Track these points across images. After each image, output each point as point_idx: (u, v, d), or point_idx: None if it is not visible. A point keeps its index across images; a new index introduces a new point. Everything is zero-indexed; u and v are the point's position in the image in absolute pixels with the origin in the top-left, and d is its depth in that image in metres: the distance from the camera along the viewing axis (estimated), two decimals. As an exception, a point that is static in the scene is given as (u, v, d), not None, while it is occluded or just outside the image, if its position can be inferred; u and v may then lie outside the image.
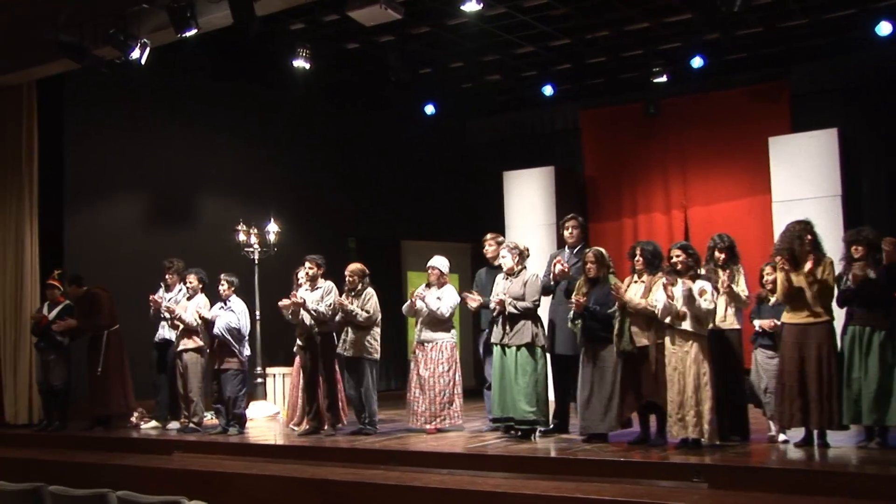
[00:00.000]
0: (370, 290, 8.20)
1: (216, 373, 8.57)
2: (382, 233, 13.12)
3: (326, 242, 11.83)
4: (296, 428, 8.67)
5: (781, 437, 6.85)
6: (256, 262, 10.70)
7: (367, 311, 8.07)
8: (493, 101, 13.58)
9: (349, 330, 8.13)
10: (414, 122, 13.44)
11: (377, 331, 8.19)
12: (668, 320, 6.65)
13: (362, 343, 8.08)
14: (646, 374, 6.86)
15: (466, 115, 13.92)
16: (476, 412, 9.19)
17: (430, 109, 13.30)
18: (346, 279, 8.20)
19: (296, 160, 12.35)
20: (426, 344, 8.14)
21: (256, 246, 10.74)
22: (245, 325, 8.63)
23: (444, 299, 8.10)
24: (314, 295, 8.30)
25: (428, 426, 8.04)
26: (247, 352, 8.74)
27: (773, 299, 6.97)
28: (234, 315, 8.54)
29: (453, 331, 8.21)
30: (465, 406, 8.48)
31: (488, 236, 8.44)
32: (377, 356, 8.19)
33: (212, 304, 8.73)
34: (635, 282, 7.05)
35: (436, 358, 8.08)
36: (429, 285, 8.21)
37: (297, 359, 8.65)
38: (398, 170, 13.42)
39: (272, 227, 10.92)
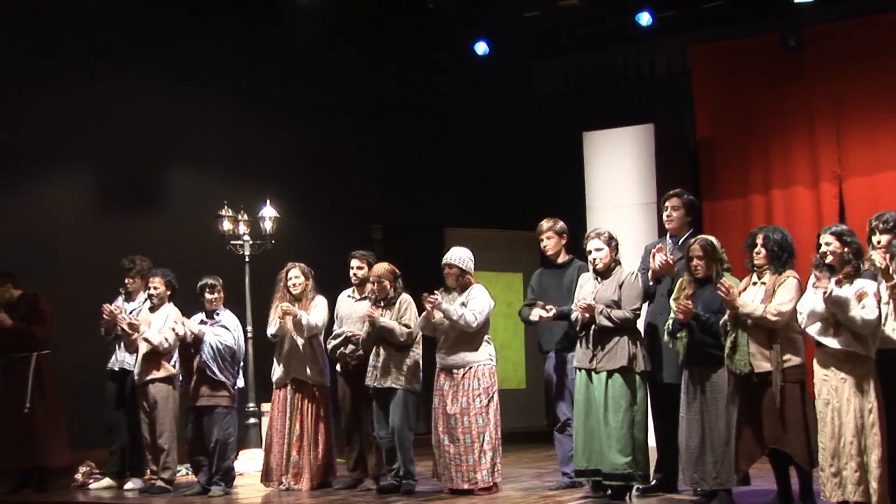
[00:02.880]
0: (407, 297, 8.34)
1: (196, 411, 8.62)
2: (419, 219, 13.22)
3: (342, 232, 11.93)
4: (295, 486, 8.75)
5: None
6: (247, 258, 10.79)
7: (408, 326, 8.20)
8: (569, 35, 13.51)
9: (380, 352, 8.25)
10: (461, 69, 13.48)
11: (418, 352, 8.32)
12: (817, 334, 6.57)
13: (399, 368, 8.21)
14: (767, 411, 6.83)
15: (533, 56, 13.87)
16: (546, 462, 9.14)
17: (482, 48, 13.24)
18: (372, 285, 8.37)
19: (301, 124, 12.45)
20: (454, 371, 8.10)
21: (247, 237, 10.83)
22: (241, 345, 8.76)
23: (470, 304, 8.07)
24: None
25: (466, 485, 8.00)
26: (240, 383, 8.84)
27: None
28: (226, 332, 8.61)
29: (490, 349, 8.19)
30: (532, 455, 8.45)
31: (544, 225, 8.46)
32: (419, 386, 8.33)
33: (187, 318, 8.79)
34: (754, 283, 7.02)
35: (469, 388, 8.04)
36: (447, 289, 8.22)
37: (281, 394, 8.88)
38: (440, 134, 13.44)
39: (268, 213, 10.99)
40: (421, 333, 8.30)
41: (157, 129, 11.50)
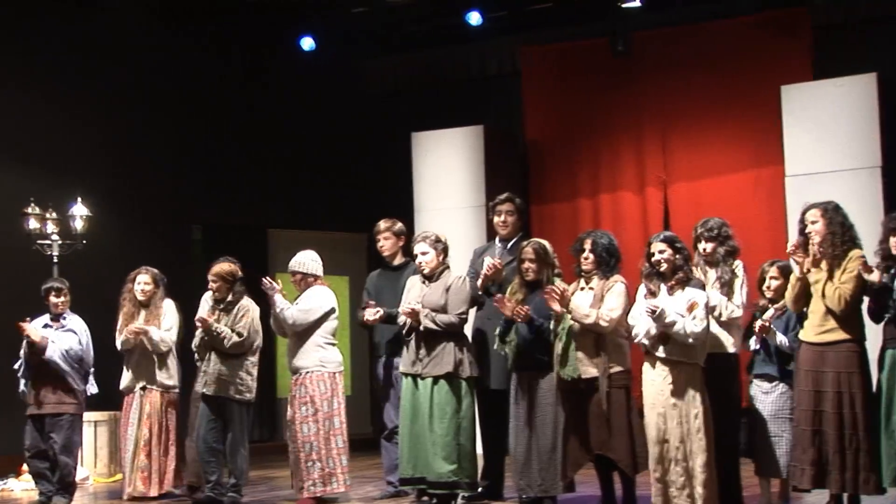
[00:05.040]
0: (245, 304, 8.26)
1: (39, 419, 8.39)
2: (241, 219, 13.05)
3: (160, 232, 11.69)
4: (144, 490, 8.77)
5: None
6: (55, 259, 10.55)
7: (240, 334, 8.10)
8: (398, 33, 13.49)
9: (212, 358, 8.14)
10: (287, 64, 13.33)
11: (252, 360, 8.26)
12: (644, 341, 6.74)
13: (232, 377, 8.12)
14: (594, 417, 6.94)
15: (361, 53, 13.80)
16: (370, 471, 9.19)
17: (307, 44, 13.14)
18: (210, 285, 8.28)
19: (115, 117, 12.13)
20: (293, 377, 8.15)
21: (56, 237, 10.60)
22: (90, 350, 8.57)
23: (302, 302, 8.05)
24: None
25: (300, 494, 8.00)
26: (92, 389, 8.67)
27: (771, 310, 7.15)
28: (73, 337, 8.42)
29: (332, 353, 8.12)
30: (357, 463, 8.60)
31: (382, 225, 8.46)
32: (250, 396, 8.25)
33: None
34: (581, 288, 7.12)
35: (307, 394, 7.97)
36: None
37: (129, 400, 8.88)
38: (264, 131, 13.25)
39: (79, 211, 10.76)
40: (259, 340, 8.27)
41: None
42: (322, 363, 8.03)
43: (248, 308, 8.22)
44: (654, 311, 6.49)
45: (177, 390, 9.02)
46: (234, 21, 12.77)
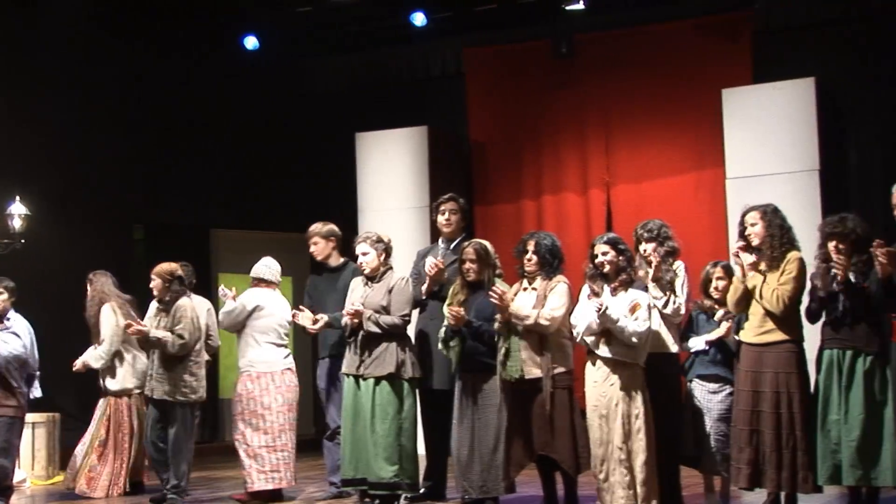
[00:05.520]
0: (183, 303, 8.27)
1: None
2: (183, 218, 12.98)
3: (101, 231, 11.59)
4: (89, 492, 8.76)
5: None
6: (-7, 258, 10.43)
7: (181, 336, 8.13)
8: (342, 33, 13.45)
9: (155, 360, 8.24)
10: (231, 64, 13.26)
11: (196, 360, 8.29)
12: (588, 340, 6.78)
13: (172, 379, 8.16)
14: (537, 417, 6.95)
15: (305, 53, 13.75)
16: (313, 472, 9.21)
17: (251, 43, 13.08)
18: (150, 284, 8.34)
19: (55, 114, 11.98)
20: (244, 372, 8.25)
21: (-7, 236, 10.51)
22: (34, 353, 8.49)
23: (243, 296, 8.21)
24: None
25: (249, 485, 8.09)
26: (37, 392, 8.67)
27: (720, 313, 7.22)
28: (15, 339, 8.29)
29: (265, 353, 8.18)
30: (300, 464, 8.57)
31: (311, 229, 8.48)
32: (195, 397, 8.28)
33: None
34: (525, 289, 7.13)
35: (238, 394, 8.19)
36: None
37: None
38: (207, 130, 13.17)
39: (17, 210, 10.57)
40: (200, 339, 8.32)
41: None
42: (251, 363, 8.14)
43: (186, 308, 8.23)
44: (600, 308, 6.52)
45: (134, 392, 9.01)
46: (176, 20, 12.67)
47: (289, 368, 8.25)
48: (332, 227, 8.50)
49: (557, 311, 6.90)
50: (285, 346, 8.31)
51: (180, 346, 8.11)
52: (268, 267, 8.37)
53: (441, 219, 8.08)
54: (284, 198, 13.44)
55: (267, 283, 8.32)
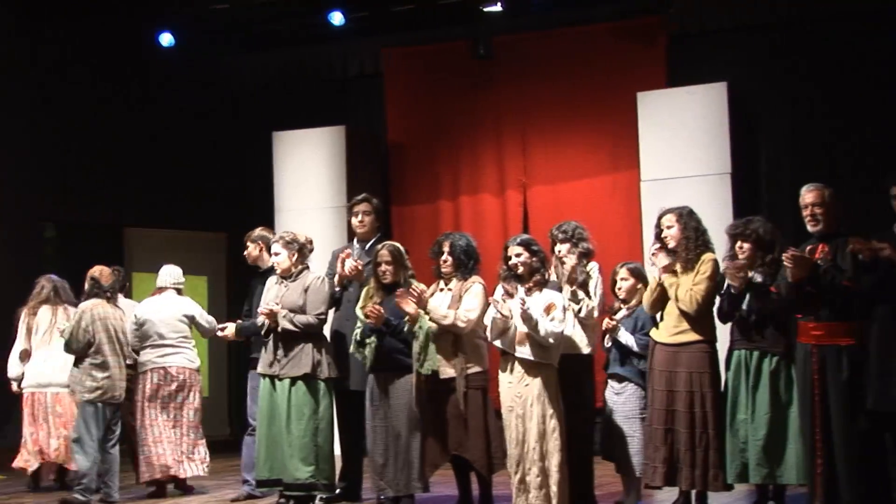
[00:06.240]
0: (85, 305, 8.41)
1: None
2: (96, 217, 12.77)
3: (9, 230, 11.40)
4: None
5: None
6: None
7: (63, 335, 8.39)
8: (259, 31, 13.37)
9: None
10: (144, 59, 13.09)
11: (93, 361, 8.33)
12: (498, 343, 6.83)
13: (74, 378, 8.40)
14: (451, 417, 7.04)
15: (222, 50, 13.64)
16: (229, 472, 9.25)
17: (167, 39, 12.93)
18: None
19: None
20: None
21: None
22: None
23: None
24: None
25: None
26: None
27: (623, 310, 7.32)
28: None
29: (143, 355, 8.62)
30: (215, 465, 8.73)
31: (255, 233, 8.57)
32: (90, 396, 8.30)
33: None
34: (441, 289, 7.22)
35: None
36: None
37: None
38: (121, 127, 13.01)
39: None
40: (89, 342, 8.27)
41: None
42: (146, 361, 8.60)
43: (82, 310, 8.33)
44: (523, 304, 6.55)
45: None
46: (90, 14, 12.52)
47: (162, 367, 8.59)
48: (260, 231, 8.59)
49: (472, 312, 6.96)
50: (165, 346, 8.65)
51: (65, 345, 8.31)
52: (168, 274, 8.86)
53: (354, 220, 8.10)
54: (200, 197, 13.33)
55: (161, 289, 8.78)
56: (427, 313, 6.99)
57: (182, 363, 8.65)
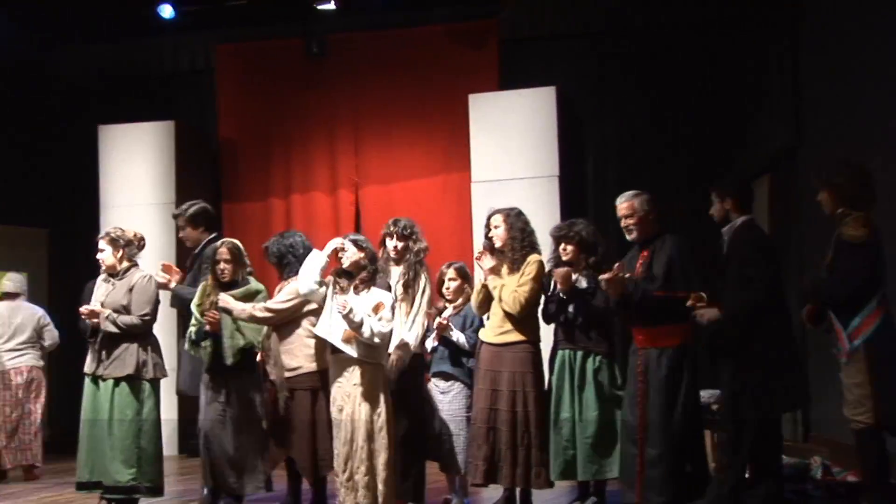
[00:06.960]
0: None
1: None
2: None
3: None
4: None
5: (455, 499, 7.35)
6: None
7: None
8: (86, 22, 13.07)
9: None
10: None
11: None
12: (332, 341, 6.82)
13: None
14: (283, 418, 7.14)
15: (47, 42, 13.29)
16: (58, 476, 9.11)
17: (-9, 29, 12.55)
18: None
19: None
20: None
21: None
22: None
23: None
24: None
25: None
26: None
27: (449, 309, 7.41)
28: None
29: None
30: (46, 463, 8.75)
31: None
32: None
33: None
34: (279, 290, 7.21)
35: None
36: None
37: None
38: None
39: None
40: None
41: None
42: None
43: None
44: (344, 308, 6.57)
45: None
46: None
47: None
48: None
49: (279, 304, 7.06)
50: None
51: None
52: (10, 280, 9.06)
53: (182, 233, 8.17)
54: (21, 191, 12.96)
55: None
56: (229, 313, 7.04)
57: None
